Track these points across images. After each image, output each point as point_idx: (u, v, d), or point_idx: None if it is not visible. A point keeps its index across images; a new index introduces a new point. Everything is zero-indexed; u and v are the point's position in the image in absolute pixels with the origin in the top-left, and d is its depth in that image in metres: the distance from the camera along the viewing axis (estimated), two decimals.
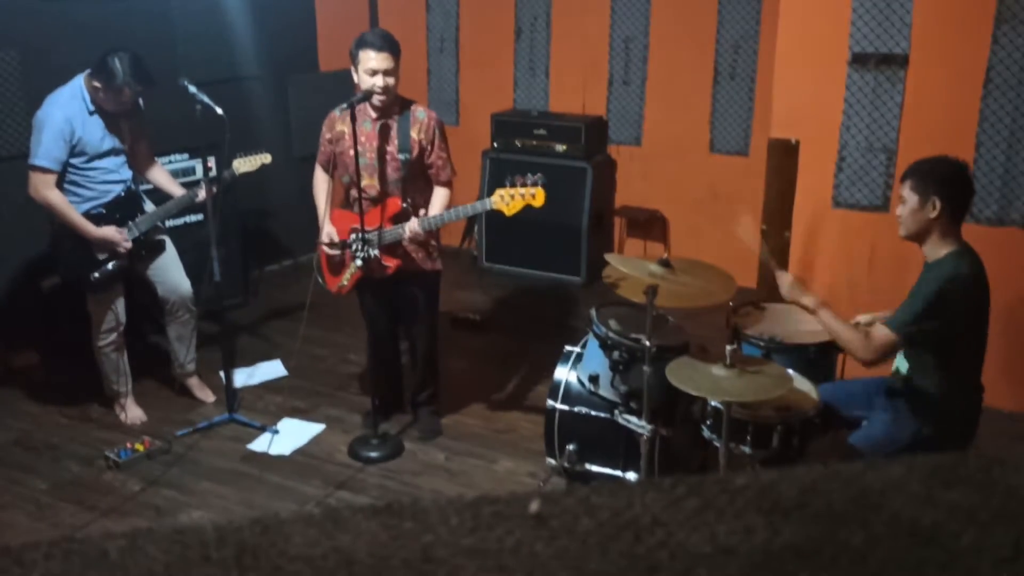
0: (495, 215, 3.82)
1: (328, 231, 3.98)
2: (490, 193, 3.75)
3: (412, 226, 3.79)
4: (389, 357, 4.38)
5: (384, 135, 3.86)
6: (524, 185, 3.67)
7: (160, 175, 4.39)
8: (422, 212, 3.87)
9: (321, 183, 4.11)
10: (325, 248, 4.01)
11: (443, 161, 3.94)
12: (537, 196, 3.68)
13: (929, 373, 3.14)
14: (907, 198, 3.05)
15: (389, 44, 3.75)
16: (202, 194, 4.16)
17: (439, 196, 3.96)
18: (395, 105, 3.87)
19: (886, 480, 0.57)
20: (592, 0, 6.21)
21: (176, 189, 4.32)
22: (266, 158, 4.36)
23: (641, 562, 0.51)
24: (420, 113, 3.90)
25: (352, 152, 3.73)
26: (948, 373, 3.12)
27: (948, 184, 3.02)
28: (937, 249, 3.05)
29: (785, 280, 3.33)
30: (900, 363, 3.24)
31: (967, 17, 4.10)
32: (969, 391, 3.18)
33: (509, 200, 3.68)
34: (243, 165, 4.32)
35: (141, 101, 4.15)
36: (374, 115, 3.87)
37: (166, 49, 5.33)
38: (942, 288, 2.97)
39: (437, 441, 4.24)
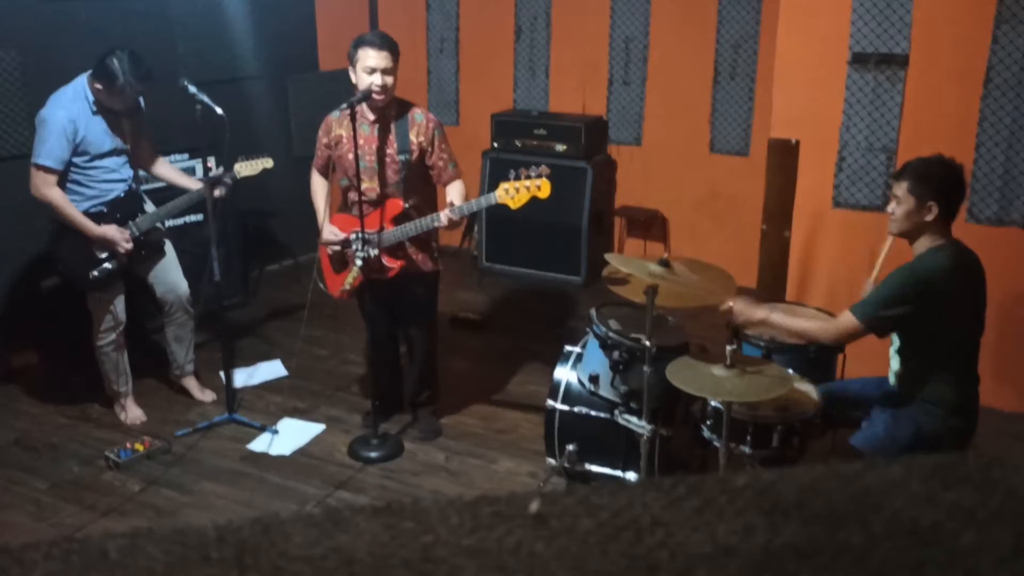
0: (497, 211, 3.78)
1: (329, 231, 3.98)
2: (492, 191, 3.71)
3: (448, 214, 3.74)
4: (389, 358, 4.38)
5: (383, 137, 3.85)
6: (528, 177, 3.61)
7: (166, 170, 4.39)
8: (444, 211, 3.80)
9: (319, 187, 4.10)
10: (326, 247, 4.00)
11: (444, 162, 3.92)
12: (543, 187, 3.61)
13: (923, 369, 3.15)
14: (903, 199, 3.05)
15: (388, 43, 3.74)
16: (218, 191, 4.17)
17: (456, 188, 3.90)
18: (393, 107, 3.86)
19: (886, 480, 0.57)
20: (592, 0, 6.21)
21: (185, 181, 4.32)
22: (268, 163, 4.35)
23: (641, 562, 0.51)
24: (418, 115, 3.88)
25: (351, 155, 3.72)
26: (942, 368, 3.13)
27: (946, 189, 3.04)
28: (924, 245, 3.09)
29: (734, 307, 3.20)
30: (894, 362, 3.25)
31: (967, 17, 4.10)
32: (965, 385, 3.19)
33: (514, 193, 3.62)
34: (244, 169, 4.31)
35: (142, 100, 4.15)
36: (372, 117, 3.85)
37: (166, 49, 5.33)
38: (914, 278, 3.00)
39: (437, 441, 4.24)
